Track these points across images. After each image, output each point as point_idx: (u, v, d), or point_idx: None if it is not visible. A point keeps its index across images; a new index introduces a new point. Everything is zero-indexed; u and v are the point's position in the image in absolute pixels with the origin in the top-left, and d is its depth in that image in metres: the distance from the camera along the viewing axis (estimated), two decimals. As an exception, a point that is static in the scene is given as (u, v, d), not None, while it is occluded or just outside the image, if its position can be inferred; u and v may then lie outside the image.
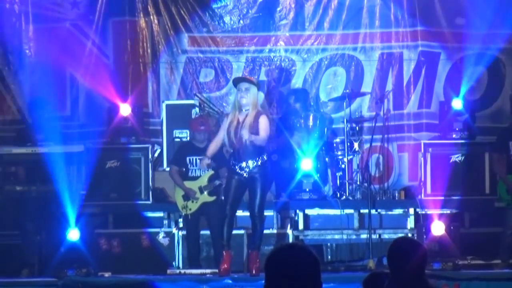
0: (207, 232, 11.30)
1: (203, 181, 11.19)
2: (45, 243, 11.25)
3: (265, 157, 10.19)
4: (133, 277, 10.52)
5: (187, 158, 11.35)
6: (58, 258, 10.93)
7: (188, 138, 11.96)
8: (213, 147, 10.73)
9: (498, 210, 11.55)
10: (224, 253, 10.36)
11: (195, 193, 11.16)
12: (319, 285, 4.35)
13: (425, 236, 11.25)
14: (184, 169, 11.33)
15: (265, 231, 10.72)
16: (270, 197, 11.86)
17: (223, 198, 10.85)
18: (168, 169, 12.02)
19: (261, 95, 12.38)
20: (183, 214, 11.37)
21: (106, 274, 10.70)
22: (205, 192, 11.16)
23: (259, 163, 10.13)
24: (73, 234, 11.06)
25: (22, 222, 11.14)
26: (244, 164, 10.17)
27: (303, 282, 4.28)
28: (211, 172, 11.13)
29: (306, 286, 4.30)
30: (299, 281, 4.27)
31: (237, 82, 10.60)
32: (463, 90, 12.74)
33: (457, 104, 12.47)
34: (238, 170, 10.23)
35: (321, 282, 4.34)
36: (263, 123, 10.11)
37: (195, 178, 11.25)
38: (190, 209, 11.18)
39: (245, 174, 10.22)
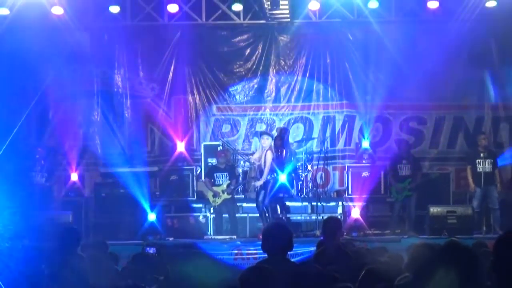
0: (226, 215, 13.36)
1: (223, 187, 13.35)
2: (134, 222, 12.99)
3: (272, 175, 12.08)
4: (185, 240, 12.41)
5: (214, 174, 13.50)
6: (143, 230, 12.84)
7: (215, 163, 13.81)
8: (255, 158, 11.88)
9: (388, 203, 13.91)
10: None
11: (219, 193, 13.30)
12: (292, 245, 5.20)
13: (347, 217, 13.41)
14: (212, 180, 13.45)
15: (257, 215, 12.48)
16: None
17: (255, 201, 12.31)
18: (203, 180, 13.92)
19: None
20: (213, 205, 13.42)
21: (171, 239, 12.58)
22: (225, 193, 13.34)
23: (267, 178, 12.05)
24: (152, 216, 13.09)
25: (121, 210, 12.86)
26: (260, 180, 12.28)
27: (283, 243, 5.12)
28: (228, 181, 13.24)
29: (285, 245, 5.11)
30: (281, 242, 5.11)
31: (262, 133, 12.60)
32: (368, 136, 15.02)
33: (365, 144, 14.89)
34: (257, 182, 12.28)
35: (293, 243, 5.21)
36: (269, 157, 11.93)
37: (219, 185, 13.41)
38: (216, 202, 13.33)
39: (260, 183, 12.08)
